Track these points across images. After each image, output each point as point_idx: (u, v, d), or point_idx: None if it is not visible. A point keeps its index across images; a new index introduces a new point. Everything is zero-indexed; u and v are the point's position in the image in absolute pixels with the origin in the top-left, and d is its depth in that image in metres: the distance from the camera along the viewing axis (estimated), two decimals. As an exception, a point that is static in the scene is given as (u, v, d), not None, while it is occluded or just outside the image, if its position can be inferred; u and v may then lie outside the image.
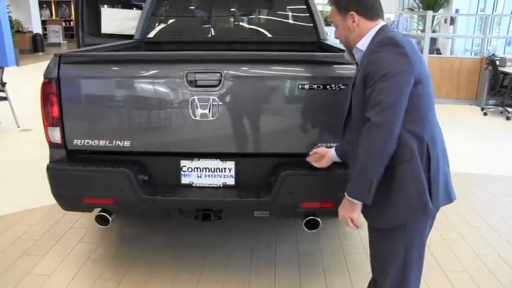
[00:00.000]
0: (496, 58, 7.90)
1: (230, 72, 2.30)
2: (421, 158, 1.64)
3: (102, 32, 4.71)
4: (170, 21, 4.26)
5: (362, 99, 1.67)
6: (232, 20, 4.38)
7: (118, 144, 2.35)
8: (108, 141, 2.35)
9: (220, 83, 2.29)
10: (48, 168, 2.40)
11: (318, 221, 2.44)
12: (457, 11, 12.02)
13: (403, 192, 1.65)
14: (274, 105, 2.38)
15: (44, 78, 2.32)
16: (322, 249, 3.08)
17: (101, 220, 2.49)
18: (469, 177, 4.54)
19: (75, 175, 2.38)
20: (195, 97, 2.29)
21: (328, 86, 2.28)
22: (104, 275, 2.75)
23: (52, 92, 2.32)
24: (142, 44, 3.91)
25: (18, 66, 13.13)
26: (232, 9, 4.37)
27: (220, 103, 2.31)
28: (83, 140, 2.36)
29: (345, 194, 1.71)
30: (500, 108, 7.71)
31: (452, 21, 11.59)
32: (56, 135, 2.37)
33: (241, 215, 3.21)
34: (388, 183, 1.65)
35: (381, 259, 1.82)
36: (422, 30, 9.76)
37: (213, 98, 2.30)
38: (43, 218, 3.47)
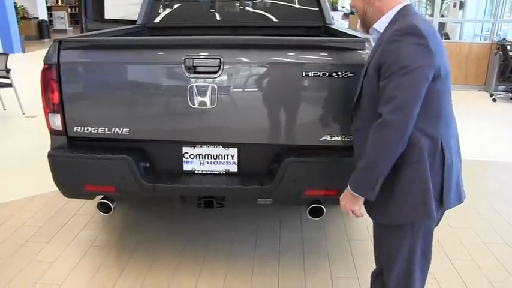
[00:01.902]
0: (506, 43, 7.74)
1: (230, 58, 2.22)
2: (433, 158, 1.55)
3: (106, 17, 4.68)
4: (173, 6, 4.19)
5: (374, 88, 1.57)
6: (237, 4, 4.30)
7: (117, 132, 2.32)
8: (107, 129, 2.32)
9: (219, 69, 2.22)
10: (49, 156, 2.38)
11: (322, 208, 2.40)
12: (466, -6, 11.77)
13: (408, 195, 1.58)
14: (276, 94, 2.29)
15: (44, 64, 2.29)
16: (327, 236, 3.05)
17: (102, 207, 2.47)
18: (478, 164, 4.47)
19: (76, 162, 2.36)
20: (194, 84, 2.23)
21: (334, 74, 2.19)
22: (106, 262, 2.75)
23: (52, 78, 2.28)
24: (145, 29, 3.85)
25: (24, 52, 13.14)
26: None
27: (219, 91, 2.24)
28: (82, 127, 2.34)
29: (348, 186, 1.65)
30: (510, 94, 7.59)
31: (462, 5, 11.38)
32: (56, 121, 2.35)
33: (244, 202, 3.18)
34: (392, 182, 1.58)
35: (384, 255, 1.77)
36: (431, 15, 9.56)
37: (212, 86, 2.23)
38: (47, 204, 3.47)
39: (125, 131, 2.32)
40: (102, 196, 2.47)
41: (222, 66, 2.21)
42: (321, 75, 2.20)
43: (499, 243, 3.02)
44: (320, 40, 2.39)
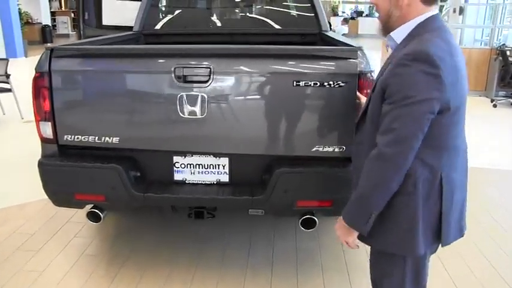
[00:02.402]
0: (506, 48, 7.70)
1: (220, 67, 2.19)
2: (429, 191, 1.45)
3: (104, 23, 4.67)
4: (170, 12, 4.19)
5: (377, 108, 1.46)
6: (234, 11, 4.29)
7: (107, 141, 2.29)
8: (97, 137, 2.30)
9: (209, 78, 2.19)
10: (39, 164, 2.36)
11: (314, 220, 2.37)
12: (466, 0, 11.75)
13: (395, 226, 1.49)
14: (267, 104, 2.25)
15: (36, 72, 2.27)
16: (321, 246, 3.01)
17: (92, 217, 2.45)
18: (478, 171, 4.42)
19: (66, 171, 2.34)
20: (184, 93, 2.20)
21: (325, 83, 2.15)
22: (97, 271, 2.72)
23: (43, 86, 2.27)
24: (142, 36, 3.84)
25: (26, 57, 13.19)
26: (233, 0, 4.28)
27: (209, 100, 2.20)
28: (73, 136, 2.32)
29: (341, 216, 1.56)
30: (511, 100, 7.54)
31: (462, 10, 11.33)
32: (47, 129, 2.33)
33: (236, 213, 3.15)
34: (383, 209, 1.48)
35: (377, 278, 1.70)
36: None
37: (202, 95, 2.19)
38: (40, 211, 3.45)
39: (115, 140, 2.29)
40: (92, 205, 2.44)
41: (212, 76, 2.18)
42: (312, 84, 2.16)
43: (498, 253, 2.97)
44: (311, 49, 2.30)
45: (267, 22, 4.03)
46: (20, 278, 2.64)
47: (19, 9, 13.73)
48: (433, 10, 1.46)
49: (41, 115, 2.32)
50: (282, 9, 4.08)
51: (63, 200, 2.50)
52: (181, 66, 2.18)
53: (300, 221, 2.38)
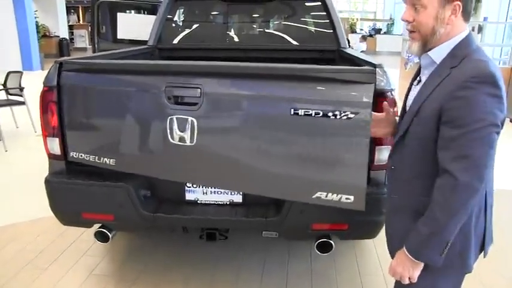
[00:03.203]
0: (528, 67, 7.53)
1: (211, 88, 1.92)
2: (479, 206, 1.44)
3: (118, 37, 4.66)
4: (186, 27, 4.15)
5: (429, 132, 1.39)
6: (252, 26, 4.24)
7: (105, 162, 2.18)
8: (96, 157, 2.20)
9: (199, 100, 1.93)
10: (46, 181, 2.30)
11: (330, 243, 2.26)
12: (485, 18, 11.62)
13: (451, 245, 1.41)
14: (260, 136, 1.93)
15: (44, 86, 2.21)
16: (338, 270, 2.88)
17: (100, 236, 2.36)
18: (501, 194, 4.23)
19: (73, 189, 2.27)
20: (174, 116, 1.96)
21: (330, 114, 1.76)
22: (104, 292, 2.62)
23: (51, 100, 2.21)
24: (156, 50, 3.79)
25: (43, 70, 13.32)
26: (250, 16, 4.23)
27: (199, 125, 1.93)
28: (77, 153, 2.24)
29: (406, 252, 1.44)
30: (532, 120, 7.32)
31: (480, 29, 11.21)
32: (54, 146, 2.26)
33: (249, 235, 3.03)
34: None
35: None
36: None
37: (191, 119, 1.94)
38: (49, 228, 3.37)
39: (112, 161, 2.17)
40: (100, 225, 2.36)
41: (202, 97, 1.93)
42: (313, 114, 1.78)
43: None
44: (315, 69, 1.88)
45: (285, 38, 3.96)
46: (25, 298, 2.56)
47: (36, 22, 13.94)
48: (466, 29, 1.43)
49: (48, 131, 2.25)
50: (300, 25, 4.01)
51: (70, 219, 2.42)
52: (171, 85, 1.96)
53: (316, 244, 2.27)
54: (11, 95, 6.27)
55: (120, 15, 4.74)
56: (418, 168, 1.46)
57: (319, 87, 1.82)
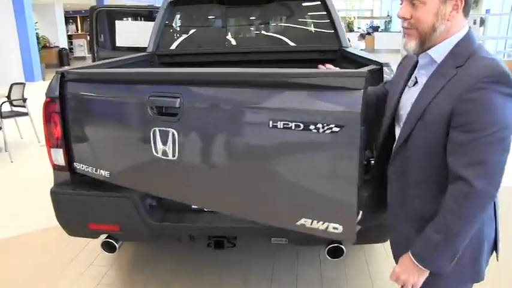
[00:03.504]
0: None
1: (190, 97, 1.73)
2: (491, 210, 1.39)
3: (117, 45, 4.65)
4: (185, 32, 4.13)
5: (437, 136, 1.30)
6: (250, 29, 4.21)
7: (101, 174, 2.13)
8: (94, 169, 2.15)
9: (179, 111, 1.75)
10: (52, 193, 2.27)
11: (342, 248, 2.20)
12: (487, 11, 11.56)
13: (463, 254, 1.36)
14: (238, 151, 1.73)
15: (46, 97, 2.19)
16: (348, 275, 2.83)
17: (107, 247, 2.34)
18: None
19: (79, 200, 2.24)
20: (156, 128, 1.82)
21: (312, 127, 1.47)
22: (113, 303, 2.60)
23: (54, 111, 2.18)
24: (155, 57, 3.77)
25: (44, 80, 13.38)
26: (249, 18, 4.20)
27: (180, 138, 1.77)
28: (79, 164, 2.21)
29: (412, 258, 1.37)
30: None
31: (483, 22, 11.16)
32: (58, 157, 2.24)
33: (258, 242, 2.99)
34: None
35: None
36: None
37: (172, 131, 1.78)
38: (55, 239, 3.35)
39: (106, 174, 2.11)
40: (107, 235, 2.33)
41: (182, 108, 1.75)
42: (292, 127, 1.50)
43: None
44: (291, 74, 1.56)
45: (285, 39, 3.93)
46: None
47: (37, 33, 14.01)
48: (466, 25, 1.35)
49: (52, 142, 2.23)
50: (300, 26, 3.97)
51: (76, 230, 2.40)
52: (154, 95, 1.81)
53: (327, 249, 2.23)
54: (14, 106, 6.28)
55: (118, 23, 4.74)
56: (424, 174, 1.38)
57: (298, 95, 1.52)
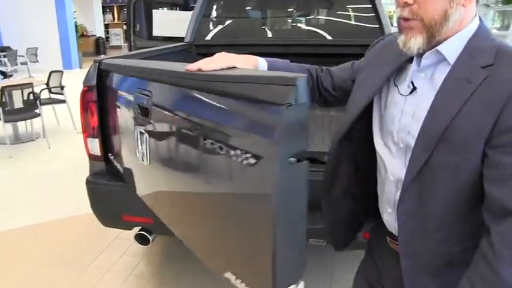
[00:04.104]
0: None
1: (155, 97, 1.46)
2: None
3: (154, 34, 4.62)
4: (223, 22, 4.05)
5: (470, 162, 0.98)
6: (290, 21, 4.10)
7: (120, 169, 2.04)
8: (118, 164, 2.07)
9: (148, 112, 1.49)
10: (87, 182, 2.26)
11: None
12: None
13: None
14: (182, 166, 1.39)
15: (83, 86, 2.16)
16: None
17: (140, 239, 2.31)
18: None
19: (113, 190, 2.21)
20: (136, 128, 1.60)
21: (232, 152, 1.03)
22: (144, 295, 2.58)
23: (91, 100, 2.15)
24: (193, 47, 3.71)
25: (81, 68, 13.65)
26: (289, 10, 4.09)
27: (150, 142, 1.52)
28: (111, 155, 2.17)
29: None
30: None
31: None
32: (95, 147, 2.22)
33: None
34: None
35: None
36: (499, 28, 8.93)
37: (145, 134, 1.54)
38: (89, 225, 3.37)
39: (120, 168, 2.04)
40: (140, 227, 2.30)
41: (150, 108, 1.49)
42: (217, 148, 1.09)
43: None
44: (214, 76, 1.16)
45: (326, 32, 3.80)
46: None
47: (75, 22, 14.31)
48: (476, 16, 1.05)
49: (88, 131, 2.20)
50: (342, 19, 3.83)
51: (110, 220, 2.38)
52: (139, 92, 1.58)
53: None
54: (53, 93, 6.42)
55: (155, 12, 4.71)
56: (452, 210, 1.04)
57: (224, 105, 1.12)
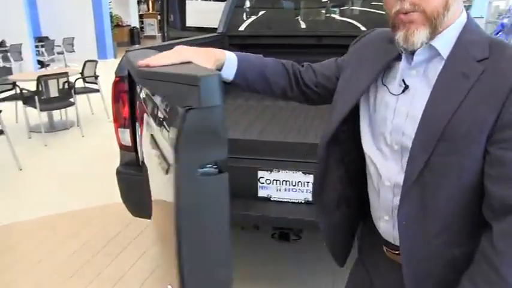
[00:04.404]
0: None
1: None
2: None
3: (187, 25, 4.62)
4: (256, 13, 4.00)
5: (472, 161, 0.93)
6: (323, 12, 4.00)
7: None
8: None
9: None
10: (117, 172, 2.27)
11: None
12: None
13: None
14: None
15: (115, 76, 2.16)
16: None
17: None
18: None
19: (143, 180, 2.21)
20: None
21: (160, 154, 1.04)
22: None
23: (123, 90, 2.15)
24: (226, 37, 3.68)
25: (115, 58, 13.89)
26: (322, 0, 3.99)
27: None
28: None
29: None
30: None
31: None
32: (126, 137, 2.22)
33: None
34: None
35: None
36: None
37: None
38: (121, 214, 3.39)
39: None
40: None
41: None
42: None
43: None
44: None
45: (360, 23, 3.69)
46: (98, 284, 2.59)
47: (110, 12, 14.55)
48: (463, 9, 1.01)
49: (120, 121, 2.21)
50: (377, 10, 3.71)
51: (140, 211, 2.38)
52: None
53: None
54: (87, 82, 6.53)
55: (188, 3, 4.70)
56: (455, 211, 0.99)
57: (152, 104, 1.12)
